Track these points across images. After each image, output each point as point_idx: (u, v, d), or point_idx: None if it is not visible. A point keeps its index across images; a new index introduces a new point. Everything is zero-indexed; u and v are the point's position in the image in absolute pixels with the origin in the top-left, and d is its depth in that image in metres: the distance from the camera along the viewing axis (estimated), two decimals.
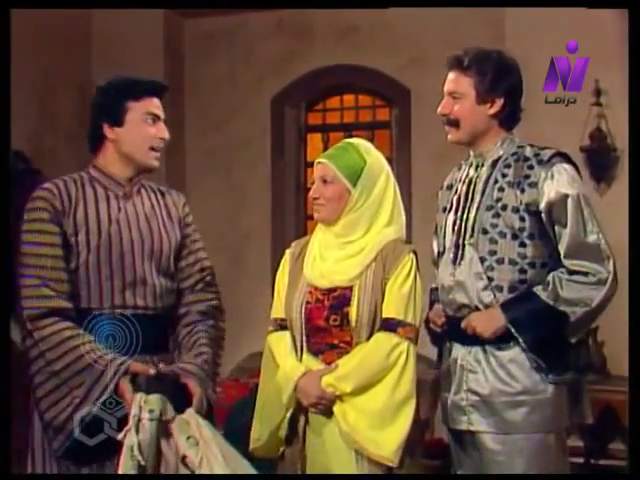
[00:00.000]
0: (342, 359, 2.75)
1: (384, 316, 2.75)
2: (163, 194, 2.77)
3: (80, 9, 5.78)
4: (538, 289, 2.69)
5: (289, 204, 6.24)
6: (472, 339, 2.75)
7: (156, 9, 5.99)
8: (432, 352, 5.09)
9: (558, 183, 2.69)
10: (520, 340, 2.68)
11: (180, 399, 2.47)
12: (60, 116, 5.94)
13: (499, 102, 2.76)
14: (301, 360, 2.80)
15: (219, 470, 2.37)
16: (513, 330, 2.68)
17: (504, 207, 2.72)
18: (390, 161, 5.98)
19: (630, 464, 2.41)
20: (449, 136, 2.85)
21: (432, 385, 5.43)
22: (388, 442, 2.68)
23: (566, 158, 2.77)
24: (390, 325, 2.73)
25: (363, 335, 2.76)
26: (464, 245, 2.77)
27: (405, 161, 6.01)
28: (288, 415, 2.77)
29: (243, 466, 2.47)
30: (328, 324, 2.77)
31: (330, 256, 2.83)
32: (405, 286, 2.76)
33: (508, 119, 2.80)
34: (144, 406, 2.37)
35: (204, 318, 2.72)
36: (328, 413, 2.74)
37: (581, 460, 4.75)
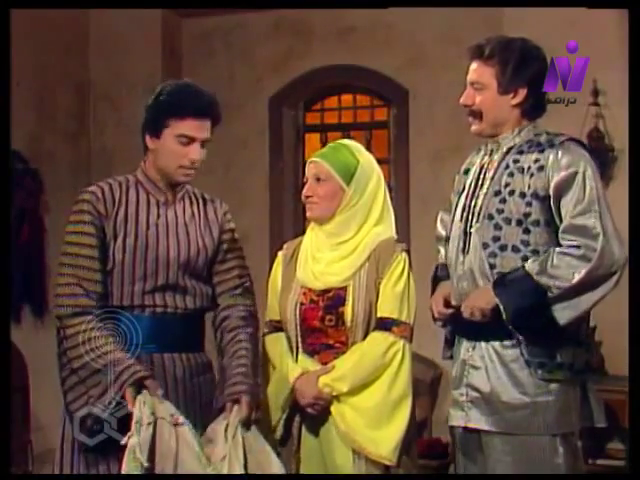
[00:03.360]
0: (338, 359, 2.75)
1: (379, 315, 2.76)
2: (205, 202, 2.79)
3: (78, 9, 5.78)
4: (528, 261, 2.64)
5: (287, 204, 6.23)
6: (476, 334, 2.73)
7: (154, 9, 5.99)
8: (431, 352, 5.12)
9: (564, 160, 2.64)
10: (503, 315, 2.62)
11: None
12: (58, 116, 5.94)
13: (522, 92, 2.69)
14: (297, 361, 2.81)
15: (237, 471, 2.39)
16: (498, 301, 2.62)
17: (511, 192, 2.67)
18: (388, 161, 6.09)
19: (630, 464, 2.40)
20: (472, 127, 2.78)
21: (430, 385, 5.45)
22: (386, 441, 2.69)
23: (579, 143, 2.73)
24: (385, 324, 2.75)
25: (358, 335, 2.76)
26: (471, 233, 2.74)
27: (403, 161, 6.01)
28: (284, 416, 2.78)
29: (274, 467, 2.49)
30: (323, 324, 2.77)
31: (323, 257, 2.83)
32: (399, 285, 2.77)
33: (532, 109, 2.74)
34: (144, 408, 2.37)
35: (245, 324, 2.73)
36: (324, 413, 2.75)
37: None
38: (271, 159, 6.30)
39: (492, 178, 2.75)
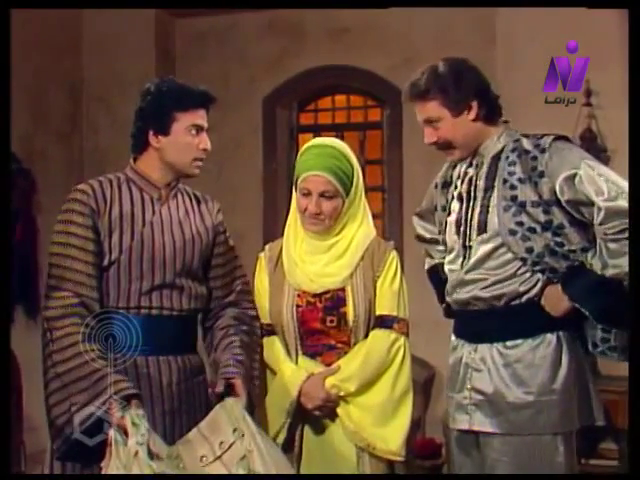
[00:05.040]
0: (343, 359, 2.77)
1: (378, 313, 2.79)
2: (198, 200, 2.79)
3: (71, 9, 5.77)
4: (587, 258, 2.66)
5: (281, 204, 6.22)
6: (478, 337, 2.76)
7: (148, 9, 5.98)
8: (424, 353, 5.13)
9: (561, 163, 2.66)
10: (593, 320, 2.65)
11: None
12: (51, 116, 5.93)
13: (474, 105, 2.73)
14: (297, 363, 2.81)
15: (260, 465, 2.36)
16: (580, 307, 2.65)
17: (522, 204, 2.68)
18: (381, 162, 6.09)
19: (630, 465, 2.41)
20: (449, 157, 2.83)
21: (423, 386, 5.46)
22: (394, 436, 2.73)
23: (565, 139, 2.76)
24: (386, 322, 2.78)
25: (360, 334, 2.79)
26: (470, 246, 2.76)
27: (396, 162, 6.01)
28: (289, 420, 2.77)
29: (284, 464, 2.48)
30: (325, 326, 2.78)
31: (317, 260, 2.84)
32: (395, 283, 2.81)
33: (491, 115, 2.77)
34: (134, 431, 2.32)
35: (237, 323, 2.73)
36: (327, 416, 2.76)
37: None
38: (264, 159, 6.31)
39: (485, 190, 2.76)
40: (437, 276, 2.98)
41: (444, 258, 2.93)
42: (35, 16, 5.34)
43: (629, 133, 2.59)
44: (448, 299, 2.87)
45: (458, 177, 2.87)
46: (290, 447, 2.77)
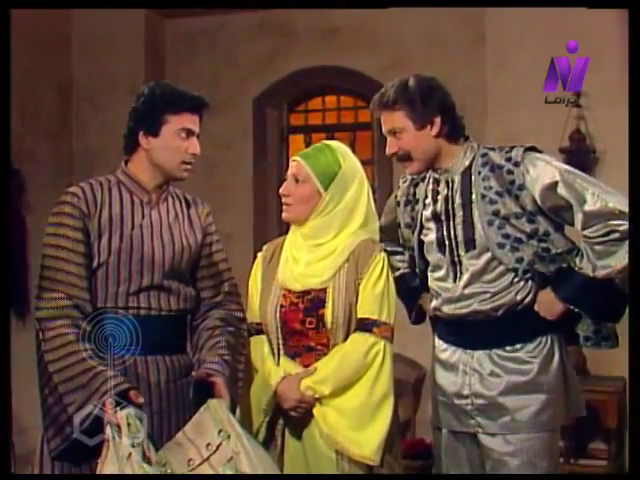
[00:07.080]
0: (320, 361, 2.76)
1: (359, 316, 2.76)
2: (188, 203, 2.80)
3: (61, 10, 5.75)
4: (576, 262, 2.71)
5: (271, 205, 6.23)
6: (475, 344, 2.80)
7: (137, 9, 5.97)
8: (414, 353, 5.13)
9: (538, 174, 2.71)
10: (589, 319, 2.74)
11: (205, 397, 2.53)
12: (41, 116, 5.91)
13: (437, 121, 2.78)
14: (278, 363, 2.81)
15: (247, 466, 2.37)
16: (572, 307, 2.73)
17: (505, 217, 2.74)
18: (371, 162, 6.09)
19: (630, 464, 2.44)
20: (408, 170, 2.88)
21: (414, 386, 5.46)
22: (369, 441, 2.69)
23: (534, 149, 2.80)
24: (365, 325, 2.75)
25: (339, 336, 2.77)
26: (460, 261, 2.80)
27: (386, 162, 6.00)
28: (267, 419, 2.78)
29: (270, 465, 2.48)
30: (304, 327, 2.77)
31: (301, 258, 2.83)
32: (378, 285, 2.77)
33: (453, 132, 2.82)
34: (125, 429, 2.32)
35: (224, 324, 2.73)
36: (307, 416, 2.75)
37: (561, 460, 4.76)
38: (255, 160, 6.30)
39: (463, 206, 2.79)
40: (404, 285, 3.00)
41: (407, 268, 3.02)
42: (25, 16, 5.32)
43: (629, 133, 2.61)
44: (438, 313, 2.90)
45: (425, 196, 2.90)
46: (271, 445, 2.78)
